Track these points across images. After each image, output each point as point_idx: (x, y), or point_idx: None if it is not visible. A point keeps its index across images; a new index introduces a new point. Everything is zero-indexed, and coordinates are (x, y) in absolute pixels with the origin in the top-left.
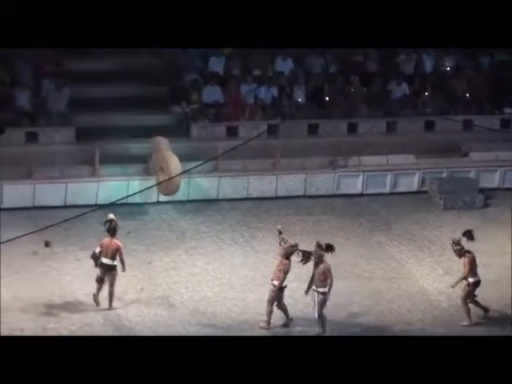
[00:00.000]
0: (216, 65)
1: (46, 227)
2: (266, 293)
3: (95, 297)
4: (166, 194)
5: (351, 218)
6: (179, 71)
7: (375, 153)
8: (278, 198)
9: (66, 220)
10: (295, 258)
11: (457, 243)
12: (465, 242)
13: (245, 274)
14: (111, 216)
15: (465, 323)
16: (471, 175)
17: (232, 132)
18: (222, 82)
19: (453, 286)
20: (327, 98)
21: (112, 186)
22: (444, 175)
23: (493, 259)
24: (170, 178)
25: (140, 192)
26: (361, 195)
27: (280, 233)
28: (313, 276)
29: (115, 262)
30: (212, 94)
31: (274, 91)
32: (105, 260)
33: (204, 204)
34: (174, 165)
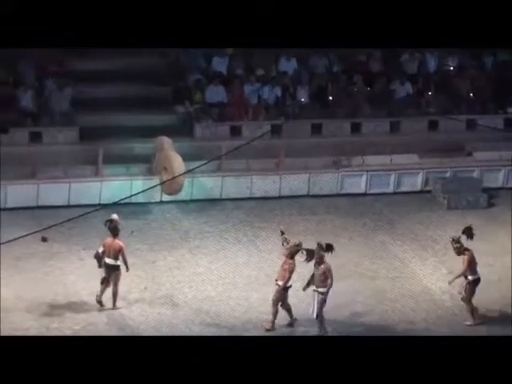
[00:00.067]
0: (219, 64)
1: (50, 227)
2: (269, 292)
3: (98, 298)
4: (170, 194)
5: (355, 217)
6: (182, 71)
7: (379, 152)
8: (281, 198)
9: (69, 220)
10: (299, 258)
11: (456, 241)
12: (465, 241)
13: (248, 274)
14: (114, 216)
15: (468, 323)
16: (475, 175)
17: (235, 132)
18: (226, 82)
19: (450, 283)
20: (331, 98)
21: (115, 186)
22: (448, 175)
23: (496, 259)
24: (174, 178)
25: (143, 191)
26: (364, 195)
27: (282, 233)
28: (313, 275)
29: (118, 262)
30: (215, 93)
31: (278, 91)
32: (108, 260)
33: (207, 203)
34: (178, 164)
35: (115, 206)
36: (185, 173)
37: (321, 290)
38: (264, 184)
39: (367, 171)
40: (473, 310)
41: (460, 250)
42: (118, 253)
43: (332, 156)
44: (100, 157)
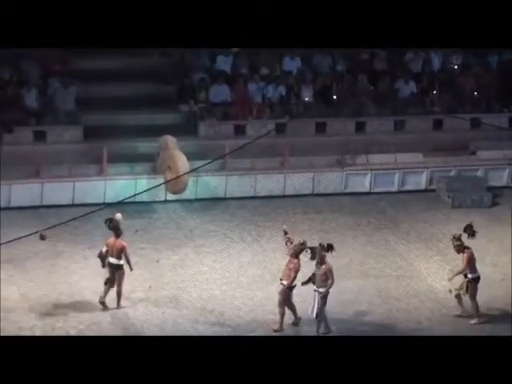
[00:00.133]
0: (223, 63)
1: (54, 226)
2: (274, 291)
3: (101, 299)
4: (174, 193)
5: (359, 216)
6: (187, 70)
7: (383, 151)
8: (285, 197)
9: (73, 219)
10: (303, 257)
11: (457, 238)
12: (466, 239)
13: (253, 273)
14: (118, 216)
15: (473, 321)
16: (479, 173)
17: (240, 131)
18: (230, 81)
19: (449, 280)
20: (335, 97)
21: (120, 185)
22: (452, 173)
23: (500, 258)
24: (178, 177)
25: (148, 190)
26: (369, 193)
27: (285, 233)
28: (314, 275)
29: (121, 262)
30: (219, 92)
31: (282, 90)
32: (111, 260)
33: (212, 202)
34: (182, 163)
35: (120, 204)
36: (189, 172)
37: (321, 290)
38: (268, 183)
39: (371, 170)
40: (478, 309)
41: (460, 248)
42: (120, 252)
43: (336, 155)
44: (104, 156)
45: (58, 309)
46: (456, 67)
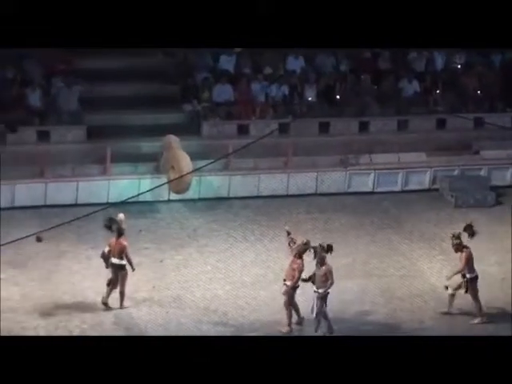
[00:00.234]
0: (227, 63)
1: (57, 225)
2: (277, 291)
3: (104, 300)
4: (177, 193)
5: (362, 215)
6: (190, 70)
7: (386, 151)
8: (289, 196)
9: (77, 218)
10: (306, 258)
11: (457, 237)
12: (466, 239)
13: (256, 272)
14: (120, 216)
15: (475, 321)
16: (482, 173)
17: (243, 130)
18: (233, 81)
19: (448, 278)
20: (338, 97)
21: (123, 185)
22: (455, 173)
23: (503, 257)
24: (181, 176)
25: (151, 190)
26: (372, 193)
27: (288, 233)
28: (314, 275)
29: (123, 262)
30: (223, 92)
31: (285, 89)
32: (114, 260)
33: (215, 202)
34: (185, 163)
35: (123, 204)
36: (192, 171)
37: (321, 290)
38: (272, 182)
39: (375, 169)
40: (481, 308)
41: (458, 247)
42: (121, 252)
43: (340, 154)
44: (108, 155)
45: (61, 309)
46: (459, 66)
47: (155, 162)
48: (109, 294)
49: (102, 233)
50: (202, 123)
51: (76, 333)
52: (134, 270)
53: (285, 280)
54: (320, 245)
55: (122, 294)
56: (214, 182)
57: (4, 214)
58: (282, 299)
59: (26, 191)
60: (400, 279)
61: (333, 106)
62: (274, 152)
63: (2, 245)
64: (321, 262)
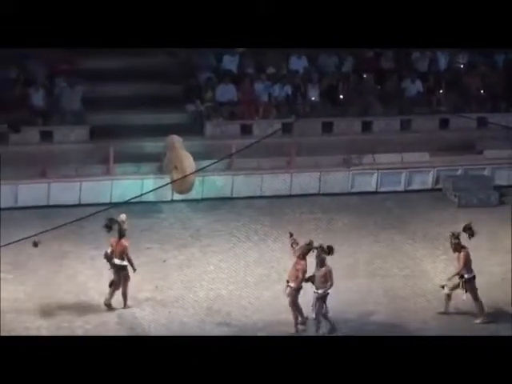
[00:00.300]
0: (230, 63)
1: (60, 226)
2: (280, 291)
3: (107, 301)
4: (180, 193)
5: (365, 215)
6: (193, 70)
7: (389, 151)
8: (292, 196)
9: (80, 219)
10: (309, 258)
11: (456, 236)
12: (467, 239)
13: (259, 272)
14: (122, 217)
15: (478, 321)
16: (486, 173)
17: (246, 130)
18: (236, 80)
19: (449, 279)
20: (341, 96)
21: (126, 185)
22: (459, 173)
23: (506, 257)
24: (184, 177)
25: (154, 190)
26: (375, 193)
27: (291, 235)
28: (314, 276)
29: (124, 263)
30: (226, 92)
31: (288, 89)
32: (115, 261)
33: (218, 202)
34: (188, 163)
35: (126, 204)
36: (195, 171)
37: (320, 291)
38: (275, 182)
39: (378, 169)
40: (482, 308)
41: (457, 247)
42: (122, 253)
43: (343, 154)
44: (111, 155)
45: (64, 309)
46: (462, 66)
47: (158, 162)
48: (111, 295)
49: (104, 233)
50: (205, 123)
51: (79, 333)
52: (135, 270)
53: (288, 281)
54: (320, 246)
55: (124, 294)
56: (217, 182)
57: (7, 214)
58: (285, 299)
59: (29, 191)
60: (403, 279)
61: (336, 105)
62: (277, 152)
63: (5, 245)
64: (320, 263)
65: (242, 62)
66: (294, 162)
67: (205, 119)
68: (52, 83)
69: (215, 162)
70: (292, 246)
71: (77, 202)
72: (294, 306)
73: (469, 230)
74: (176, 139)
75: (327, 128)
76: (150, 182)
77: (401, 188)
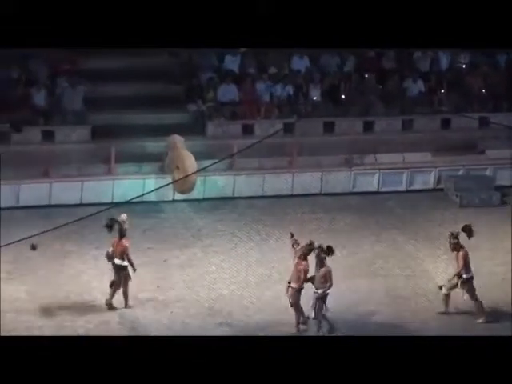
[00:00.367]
0: (231, 63)
1: (62, 225)
2: (282, 291)
3: (108, 301)
4: (182, 192)
5: (367, 215)
6: (195, 70)
7: (391, 151)
8: (293, 196)
9: (81, 218)
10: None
11: (455, 236)
12: (467, 240)
13: (261, 272)
14: (123, 217)
15: (480, 320)
16: (487, 173)
17: (248, 130)
18: (238, 80)
19: (450, 280)
20: (343, 96)
21: (128, 185)
22: (460, 173)
23: (505, 257)
24: (186, 176)
25: (156, 190)
26: (377, 193)
27: (292, 235)
28: (313, 276)
29: (125, 263)
30: (228, 92)
31: (290, 89)
32: (116, 261)
33: (220, 202)
34: (190, 163)
35: (128, 204)
36: (197, 171)
37: (320, 291)
38: (276, 182)
39: (380, 169)
40: (482, 307)
41: (456, 247)
42: (123, 253)
43: (344, 154)
44: (112, 155)
45: (66, 308)
46: (464, 66)
47: (160, 162)
48: (112, 295)
49: (106, 233)
50: (206, 123)
51: (81, 333)
52: (135, 270)
53: (289, 282)
54: (320, 246)
55: (125, 294)
56: (218, 182)
57: (9, 213)
58: (286, 300)
59: (31, 191)
60: (405, 279)
61: (337, 105)
62: (278, 152)
63: (7, 244)
64: (320, 263)
65: (244, 61)
66: (296, 161)
67: (206, 119)
68: (54, 83)
69: (217, 162)
70: (293, 246)
71: (78, 202)
72: (296, 306)
73: (468, 230)
74: (178, 139)
75: (329, 128)
76: (151, 182)
77: (402, 188)
